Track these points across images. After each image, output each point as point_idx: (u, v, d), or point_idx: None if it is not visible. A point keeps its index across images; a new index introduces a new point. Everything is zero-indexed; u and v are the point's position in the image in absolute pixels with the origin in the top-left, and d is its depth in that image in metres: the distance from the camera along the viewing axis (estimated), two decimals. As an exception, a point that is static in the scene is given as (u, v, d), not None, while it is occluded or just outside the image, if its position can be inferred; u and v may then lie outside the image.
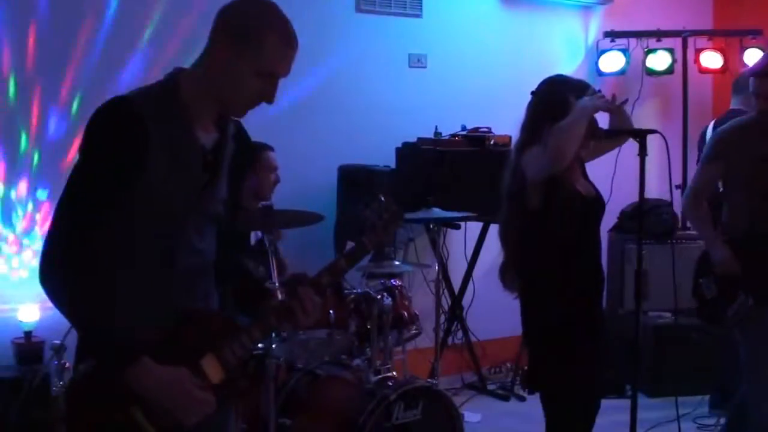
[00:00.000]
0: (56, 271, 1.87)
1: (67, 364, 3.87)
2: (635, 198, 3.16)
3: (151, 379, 1.87)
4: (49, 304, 1.91)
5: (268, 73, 1.97)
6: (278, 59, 1.97)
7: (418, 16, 5.54)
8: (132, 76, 4.55)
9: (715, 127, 4.92)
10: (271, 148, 4.26)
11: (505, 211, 3.17)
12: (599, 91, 3.19)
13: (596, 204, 3.11)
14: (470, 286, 5.42)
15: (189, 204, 1.98)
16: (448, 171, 4.96)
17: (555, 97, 3.07)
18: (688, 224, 5.80)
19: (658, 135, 3.08)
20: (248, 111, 2.03)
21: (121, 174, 1.87)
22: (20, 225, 4.37)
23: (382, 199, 2.20)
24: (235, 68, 1.95)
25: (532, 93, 3.18)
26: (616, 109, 3.17)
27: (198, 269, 2.05)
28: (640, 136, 3.05)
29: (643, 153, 3.03)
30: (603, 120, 3.26)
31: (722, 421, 4.66)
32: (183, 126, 1.96)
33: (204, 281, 2.09)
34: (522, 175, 3.02)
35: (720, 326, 3.79)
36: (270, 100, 2.01)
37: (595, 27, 6.24)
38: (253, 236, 4.25)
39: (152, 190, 1.90)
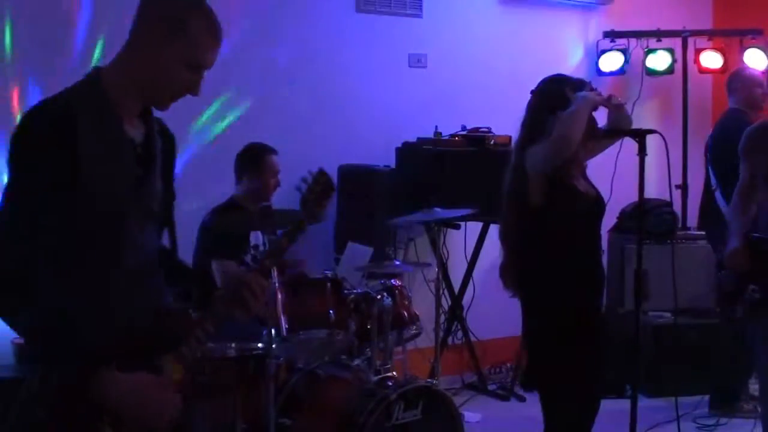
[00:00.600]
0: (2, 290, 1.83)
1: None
2: (635, 198, 3.16)
3: (116, 390, 1.86)
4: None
5: (197, 65, 1.98)
6: (207, 51, 1.98)
7: (418, 16, 5.54)
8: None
9: (717, 128, 4.92)
10: (275, 152, 4.26)
11: (505, 211, 3.17)
12: (596, 89, 3.19)
13: (596, 204, 3.12)
14: (470, 286, 5.42)
15: (127, 199, 1.96)
16: (448, 171, 4.96)
17: (555, 96, 3.08)
18: (689, 224, 5.81)
19: (658, 135, 3.08)
20: (172, 103, 2.03)
21: (55, 178, 1.84)
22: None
23: (313, 171, 2.22)
24: (164, 60, 1.94)
25: (532, 92, 3.18)
26: (613, 106, 3.17)
27: (146, 267, 2.02)
28: (640, 136, 3.05)
29: (642, 153, 3.03)
30: (601, 118, 3.26)
31: (722, 420, 4.67)
32: (112, 122, 1.95)
33: (154, 279, 2.07)
34: (523, 174, 3.02)
35: (734, 321, 3.76)
36: (196, 92, 2.01)
37: (595, 27, 6.24)
38: (253, 237, 4.25)
39: (89, 188, 1.88)
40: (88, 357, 1.85)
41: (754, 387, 5.08)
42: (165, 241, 2.19)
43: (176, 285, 2.16)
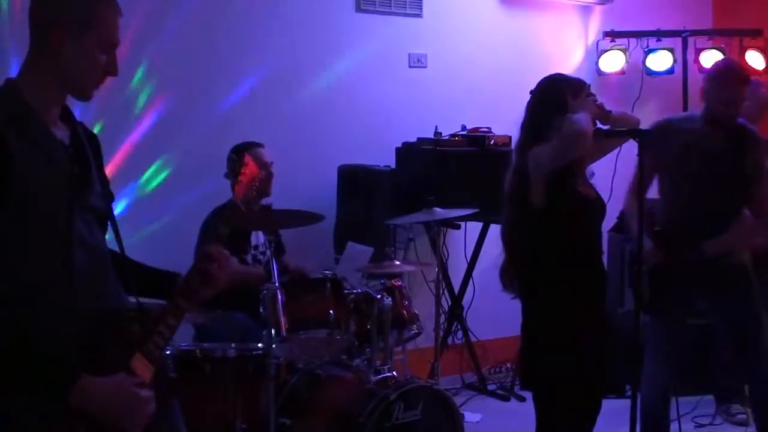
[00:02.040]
0: None
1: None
2: (635, 198, 3.16)
3: (96, 394, 1.86)
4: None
5: (108, 46, 1.99)
6: (114, 29, 2.00)
7: (418, 16, 5.54)
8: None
9: None
10: (260, 145, 4.25)
11: (507, 212, 3.17)
12: (593, 94, 3.19)
13: (597, 205, 3.12)
14: (470, 286, 5.42)
15: (69, 200, 1.96)
16: (448, 171, 4.96)
17: (554, 95, 3.07)
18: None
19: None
20: (95, 90, 2.03)
21: None
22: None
23: (233, 156, 2.25)
24: (81, 52, 1.95)
25: (531, 92, 3.18)
26: (606, 117, 3.17)
27: (97, 266, 2.02)
28: (639, 135, 3.05)
29: (642, 153, 3.04)
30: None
31: (718, 420, 4.67)
32: (38, 126, 1.95)
33: (108, 279, 2.06)
34: (525, 175, 3.02)
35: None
36: (114, 71, 2.02)
37: (595, 27, 6.24)
38: (253, 237, 4.26)
39: (30, 196, 1.88)
40: (59, 364, 1.84)
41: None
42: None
43: (133, 283, 2.15)
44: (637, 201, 3.24)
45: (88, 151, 2.06)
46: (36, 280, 1.90)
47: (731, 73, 3.75)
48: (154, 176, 4.70)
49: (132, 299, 2.10)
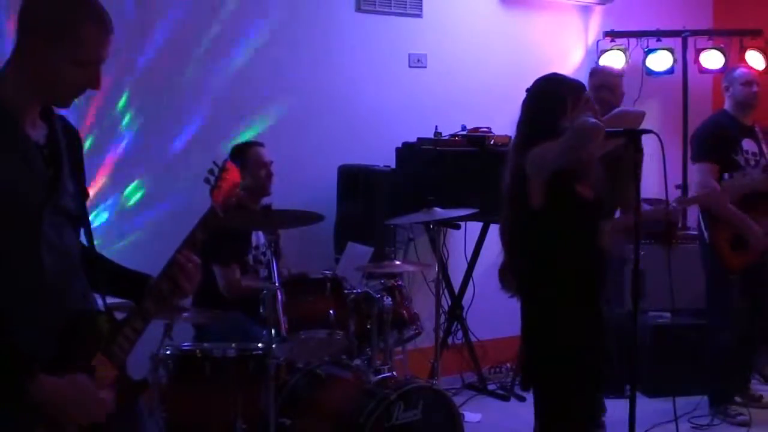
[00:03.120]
0: None
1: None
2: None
3: (52, 392, 1.87)
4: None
5: (90, 62, 1.97)
6: (96, 46, 1.97)
7: (418, 16, 5.54)
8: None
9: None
10: (260, 144, 4.26)
11: (505, 213, 3.17)
12: (590, 100, 3.19)
13: (596, 205, 3.12)
14: (470, 286, 5.42)
15: (40, 202, 1.95)
16: (448, 171, 4.97)
17: (551, 95, 3.07)
18: (689, 224, 5.82)
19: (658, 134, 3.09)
20: (74, 100, 2.02)
21: None
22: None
23: (215, 163, 2.23)
24: (53, 63, 1.93)
25: (527, 91, 3.18)
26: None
27: (66, 268, 2.01)
28: (635, 136, 3.06)
29: (638, 153, 3.04)
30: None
31: (716, 421, 4.68)
32: (11, 127, 1.94)
33: (76, 281, 2.06)
34: (523, 176, 3.02)
35: None
36: (96, 86, 2.00)
37: (595, 27, 6.24)
38: (254, 237, 4.26)
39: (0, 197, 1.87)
40: (18, 363, 1.85)
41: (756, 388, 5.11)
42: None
43: (102, 283, 2.15)
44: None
45: (62, 150, 2.05)
46: (4, 281, 1.90)
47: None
48: (133, 192, 4.70)
49: (100, 301, 2.10)
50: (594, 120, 2.91)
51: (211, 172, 2.21)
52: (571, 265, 3.03)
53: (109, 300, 2.14)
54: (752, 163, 4.66)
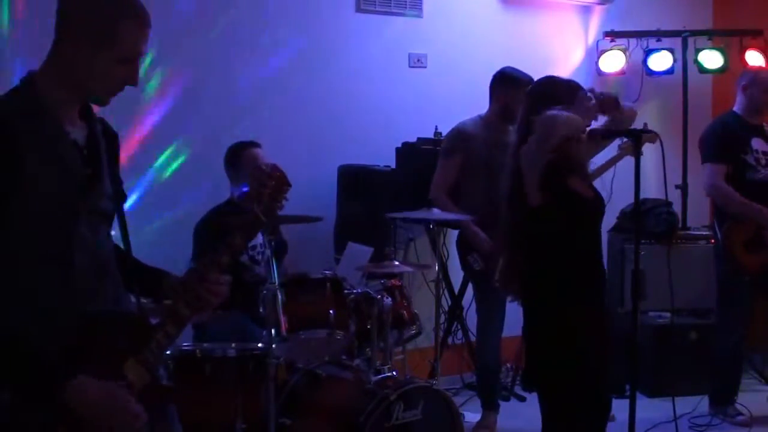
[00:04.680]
0: None
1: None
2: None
3: (89, 396, 1.84)
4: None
5: (128, 58, 1.97)
6: (137, 42, 1.96)
7: (418, 16, 5.54)
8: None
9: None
10: (257, 145, 4.25)
11: (504, 214, 3.17)
12: (590, 91, 3.20)
13: (595, 204, 3.12)
14: (470, 286, 5.41)
15: (77, 201, 1.94)
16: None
17: (545, 95, 3.08)
18: (689, 224, 5.82)
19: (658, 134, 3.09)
20: (113, 97, 2.02)
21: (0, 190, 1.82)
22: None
23: (263, 167, 2.13)
24: (96, 62, 1.93)
25: (527, 94, 3.19)
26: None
27: (100, 269, 2.00)
28: (635, 136, 3.06)
29: (638, 153, 3.04)
30: (595, 123, 3.27)
31: (716, 421, 4.68)
32: (52, 125, 1.93)
33: (109, 281, 2.04)
34: (520, 176, 3.02)
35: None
36: (135, 82, 2.00)
37: (595, 27, 6.24)
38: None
39: (36, 194, 1.87)
40: (59, 365, 1.83)
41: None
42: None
43: (136, 285, 2.13)
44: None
45: (101, 151, 2.04)
46: (35, 279, 1.89)
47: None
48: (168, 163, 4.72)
49: (133, 303, 2.08)
50: (555, 113, 2.92)
51: (254, 177, 2.13)
52: (571, 264, 3.03)
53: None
54: (763, 162, 4.65)
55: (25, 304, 1.86)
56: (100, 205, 2.02)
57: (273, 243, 3.72)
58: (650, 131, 3.66)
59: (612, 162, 4.56)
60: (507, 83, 4.49)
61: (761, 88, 4.70)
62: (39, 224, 1.89)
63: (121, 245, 2.13)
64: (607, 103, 3.44)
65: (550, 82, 3.18)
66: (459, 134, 4.53)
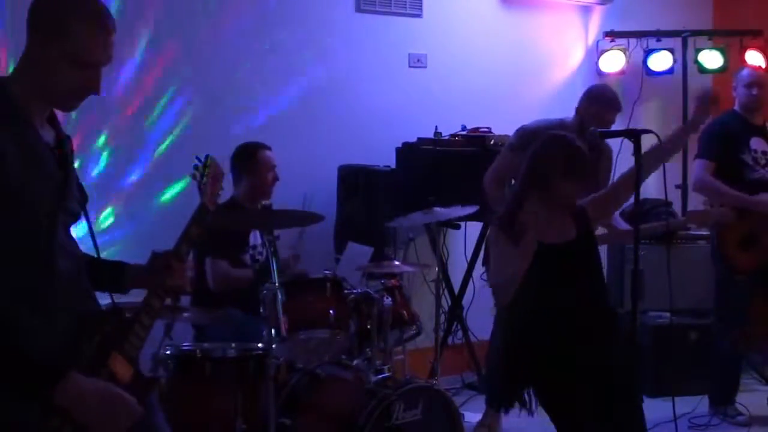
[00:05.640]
0: None
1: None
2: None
3: (85, 393, 1.84)
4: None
5: (86, 63, 1.94)
6: (92, 47, 1.94)
7: (418, 16, 5.54)
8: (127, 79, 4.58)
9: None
10: (268, 147, 4.26)
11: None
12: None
13: (569, 249, 3.09)
14: (470, 286, 5.42)
15: (54, 204, 1.95)
16: (448, 171, 4.97)
17: (546, 165, 3.08)
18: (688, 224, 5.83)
19: (657, 134, 3.09)
20: (77, 103, 2.01)
21: None
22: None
23: (201, 160, 2.24)
24: (49, 62, 1.92)
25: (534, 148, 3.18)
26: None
27: (74, 269, 2.02)
28: (635, 136, 3.06)
29: (638, 153, 3.04)
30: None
31: (716, 421, 4.68)
32: (27, 128, 1.93)
33: (82, 280, 2.06)
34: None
35: None
36: (96, 90, 1.99)
37: (595, 27, 6.24)
38: (252, 236, 4.26)
39: (17, 198, 1.86)
40: (51, 363, 1.84)
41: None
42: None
43: (103, 280, 2.17)
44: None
45: (70, 154, 2.06)
46: (19, 282, 1.89)
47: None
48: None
49: (107, 300, 2.12)
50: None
51: (196, 168, 2.22)
52: (547, 299, 3.03)
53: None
54: (762, 162, 4.65)
55: (12, 307, 1.86)
56: (71, 207, 2.03)
57: (272, 243, 3.72)
58: (648, 131, 3.70)
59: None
60: (588, 98, 4.44)
61: (742, 84, 4.74)
62: (23, 229, 1.89)
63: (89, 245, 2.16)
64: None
65: (560, 145, 3.15)
66: (531, 134, 4.30)
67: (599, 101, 4.39)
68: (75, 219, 2.07)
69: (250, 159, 4.19)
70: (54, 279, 1.94)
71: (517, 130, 4.47)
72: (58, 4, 1.95)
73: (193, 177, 2.21)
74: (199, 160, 2.24)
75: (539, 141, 3.17)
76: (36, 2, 1.97)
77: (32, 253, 1.91)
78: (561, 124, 4.35)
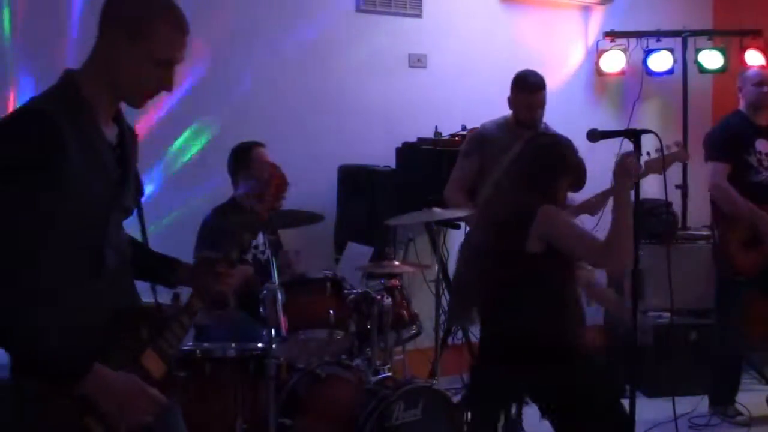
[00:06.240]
0: None
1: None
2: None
3: (107, 385, 1.89)
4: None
5: (164, 62, 2.00)
6: (172, 47, 2.00)
7: (418, 16, 5.54)
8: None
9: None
10: (262, 145, 4.26)
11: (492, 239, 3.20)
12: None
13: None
14: (470, 286, 5.41)
15: (110, 201, 2.00)
16: (448, 171, 4.97)
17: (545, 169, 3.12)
18: (689, 224, 5.83)
19: (659, 135, 3.09)
20: (147, 101, 2.06)
21: (41, 184, 1.84)
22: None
23: (266, 168, 2.27)
24: (131, 61, 1.97)
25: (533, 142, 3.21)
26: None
27: (121, 265, 2.06)
28: (635, 136, 3.06)
29: (637, 153, 3.04)
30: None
31: (716, 421, 4.68)
32: (92, 124, 1.97)
33: (128, 276, 2.11)
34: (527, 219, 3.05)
35: None
36: (169, 88, 2.04)
37: (595, 27, 6.24)
38: (253, 236, 4.26)
39: (76, 192, 1.90)
40: (78, 356, 1.88)
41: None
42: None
43: (155, 273, 2.23)
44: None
45: (130, 152, 2.09)
46: (63, 274, 1.92)
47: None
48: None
49: (149, 298, 2.16)
50: None
51: (259, 178, 2.25)
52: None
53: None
54: (766, 164, 4.65)
55: (55, 298, 1.90)
56: (126, 203, 2.08)
57: (273, 243, 3.73)
58: (680, 149, 3.73)
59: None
60: (513, 86, 4.49)
61: (751, 82, 4.74)
62: (76, 223, 1.93)
63: (139, 237, 2.22)
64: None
65: (557, 156, 3.21)
66: (477, 136, 4.51)
67: (516, 84, 4.45)
68: (128, 214, 2.11)
69: (245, 158, 4.19)
70: (100, 273, 1.98)
71: (466, 137, 4.64)
72: (143, 6, 1.99)
73: (254, 185, 2.24)
74: (266, 170, 2.26)
75: (534, 147, 3.20)
76: (117, 3, 2.00)
77: (82, 247, 1.95)
78: (504, 120, 4.50)
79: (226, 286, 2.19)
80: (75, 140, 1.89)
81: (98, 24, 2.00)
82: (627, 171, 2.99)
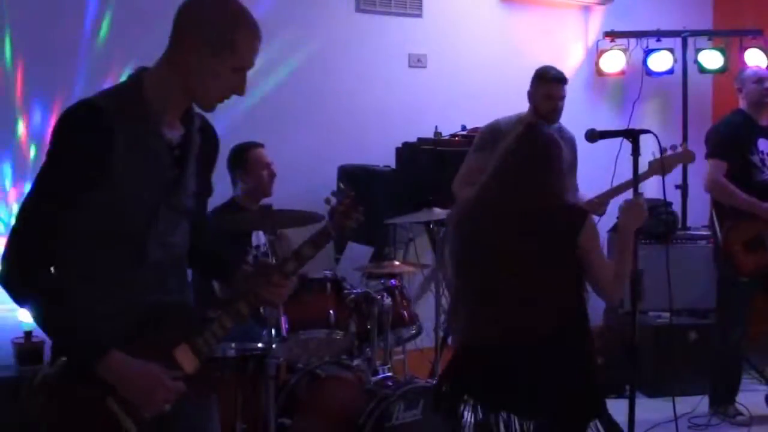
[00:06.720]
0: (14, 274, 1.93)
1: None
2: (634, 198, 3.15)
3: (121, 370, 1.94)
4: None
5: (242, 69, 2.03)
6: (250, 53, 2.04)
7: (418, 16, 5.54)
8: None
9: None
10: (260, 145, 4.26)
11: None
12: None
13: None
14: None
15: (159, 198, 2.03)
16: (448, 171, 4.96)
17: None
18: (689, 224, 5.83)
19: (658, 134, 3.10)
20: (218, 104, 2.08)
21: (85, 175, 1.92)
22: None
23: (341, 186, 2.30)
24: (210, 69, 2.00)
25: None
26: None
27: (169, 262, 2.10)
28: (633, 136, 3.06)
29: (636, 153, 3.04)
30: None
31: (716, 421, 4.68)
32: (148, 123, 2.00)
33: (176, 274, 2.14)
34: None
35: None
36: (242, 92, 2.07)
37: (595, 27, 6.24)
38: (254, 237, 4.26)
39: (121, 187, 1.95)
40: (97, 341, 1.94)
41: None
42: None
43: (217, 272, 2.35)
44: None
45: (192, 153, 2.11)
46: (105, 261, 1.98)
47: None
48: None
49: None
50: None
51: (333, 194, 2.28)
52: None
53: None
54: None
55: (91, 285, 1.98)
56: (181, 202, 2.10)
57: (273, 243, 3.72)
58: (686, 151, 3.73)
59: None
60: (534, 79, 4.44)
61: (750, 81, 4.73)
62: (118, 218, 1.98)
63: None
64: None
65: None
66: (491, 130, 4.44)
67: (537, 76, 4.40)
68: (186, 214, 2.13)
69: (242, 159, 4.18)
70: (141, 266, 2.02)
71: (480, 131, 4.56)
72: (224, 15, 2.00)
73: (327, 201, 2.27)
74: (341, 190, 2.29)
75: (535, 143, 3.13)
76: (196, 10, 2.01)
77: (124, 239, 1.99)
78: (518, 117, 4.38)
79: (277, 297, 2.22)
80: (125, 136, 1.94)
81: (173, 27, 2.03)
82: (633, 217, 2.95)
